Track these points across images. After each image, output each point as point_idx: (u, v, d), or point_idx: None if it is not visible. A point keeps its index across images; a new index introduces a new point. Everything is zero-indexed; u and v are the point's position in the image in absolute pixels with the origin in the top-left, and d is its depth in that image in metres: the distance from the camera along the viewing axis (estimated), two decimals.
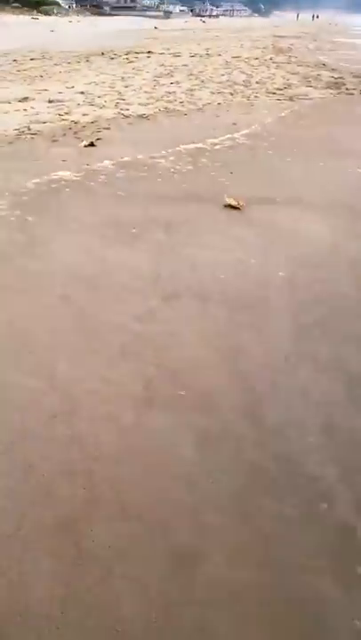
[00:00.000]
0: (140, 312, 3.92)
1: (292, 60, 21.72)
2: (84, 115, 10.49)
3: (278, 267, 4.70)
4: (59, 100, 11.71)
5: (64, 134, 9.00)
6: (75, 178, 6.86)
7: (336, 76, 16.91)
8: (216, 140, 9.05)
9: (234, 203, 6.09)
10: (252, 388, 3.23)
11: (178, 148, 8.45)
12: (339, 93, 14.12)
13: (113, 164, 7.47)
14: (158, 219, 5.71)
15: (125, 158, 7.77)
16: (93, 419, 2.95)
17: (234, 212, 6.05)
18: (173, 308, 4.00)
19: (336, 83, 15.68)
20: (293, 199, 6.51)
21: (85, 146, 8.32)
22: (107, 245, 5.00)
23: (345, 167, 7.90)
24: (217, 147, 8.71)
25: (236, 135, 9.46)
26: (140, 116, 10.50)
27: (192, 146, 8.68)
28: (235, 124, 10.26)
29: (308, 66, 19.85)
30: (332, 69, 18.61)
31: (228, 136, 9.34)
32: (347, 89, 14.71)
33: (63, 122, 9.85)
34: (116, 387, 3.20)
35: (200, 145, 8.75)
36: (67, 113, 10.55)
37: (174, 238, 5.22)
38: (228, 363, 3.44)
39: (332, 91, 14.41)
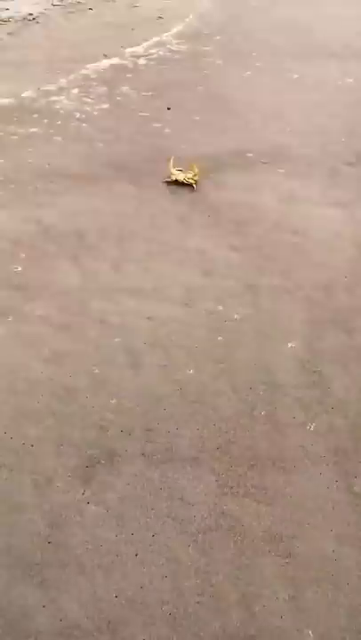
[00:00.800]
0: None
1: None
2: None
3: (290, 332, 2.59)
4: None
5: None
6: None
7: None
8: (139, 50, 6.23)
9: (182, 177, 3.75)
10: None
11: (84, 71, 5.66)
12: None
13: None
14: (61, 227, 3.36)
15: (3, 100, 5.03)
16: None
17: (184, 191, 3.74)
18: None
19: None
20: (273, 153, 4.16)
21: None
22: None
23: (329, 77, 5.44)
24: (141, 61, 5.95)
25: (165, 37, 6.60)
26: (26, 19, 7.31)
27: (105, 63, 5.88)
28: (161, 17, 7.28)
29: None
30: None
31: (156, 39, 6.49)
32: None
33: None
34: None
35: (116, 60, 5.95)
36: None
37: (94, 278, 2.90)
38: None
39: None
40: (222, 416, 2.20)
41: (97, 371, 2.39)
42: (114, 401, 2.26)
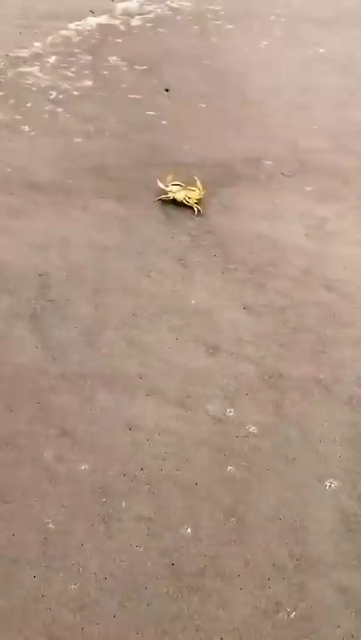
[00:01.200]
0: None
1: None
2: None
3: (327, 461, 1.80)
4: None
5: None
6: None
7: None
8: (133, 6, 5.12)
9: (182, 196, 2.90)
10: None
11: (65, 32, 4.60)
12: None
13: None
14: (19, 267, 2.49)
15: None
16: None
17: (185, 216, 2.90)
18: None
19: None
20: (298, 161, 3.27)
21: None
22: None
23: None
24: (135, 22, 4.88)
25: None
26: None
27: (92, 22, 4.82)
28: None
29: None
30: None
31: None
32: None
33: None
34: None
35: (105, 19, 4.88)
36: None
37: (57, 354, 2.04)
38: None
39: None
40: (235, 620, 1.50)
41: (51, 526, 1.66)
42: (74, 587, 1.54)
